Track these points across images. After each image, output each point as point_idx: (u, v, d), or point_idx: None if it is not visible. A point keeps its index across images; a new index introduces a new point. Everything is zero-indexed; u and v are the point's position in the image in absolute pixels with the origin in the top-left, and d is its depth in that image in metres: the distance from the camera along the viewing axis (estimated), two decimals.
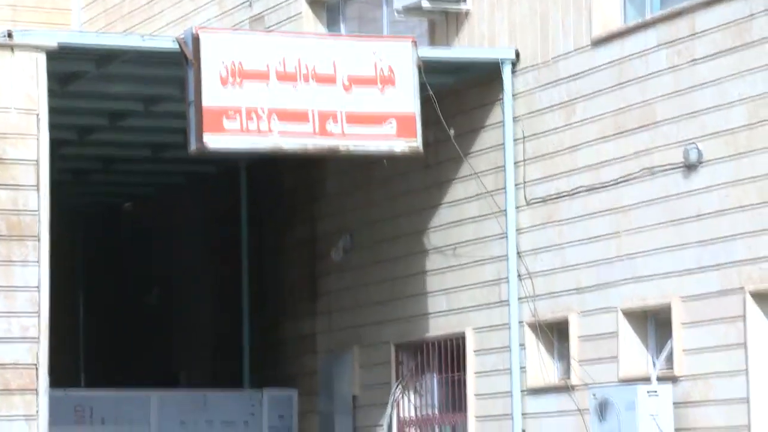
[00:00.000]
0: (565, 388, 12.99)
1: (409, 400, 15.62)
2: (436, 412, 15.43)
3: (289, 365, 18.02)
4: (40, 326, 11.75)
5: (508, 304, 13.72)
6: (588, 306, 12.81)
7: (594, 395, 11.90)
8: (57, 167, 13.22)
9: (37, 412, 11.64)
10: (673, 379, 11.53)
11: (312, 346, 17.41)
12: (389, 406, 15.53)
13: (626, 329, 12.24)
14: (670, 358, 11.65)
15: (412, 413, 15.62)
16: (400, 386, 15.56)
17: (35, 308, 11.77)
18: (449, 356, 14.78)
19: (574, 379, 12.80)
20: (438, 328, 14.93)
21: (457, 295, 14.58)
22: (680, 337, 11.49)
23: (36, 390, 11.66)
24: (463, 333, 14.40)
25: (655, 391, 11.34)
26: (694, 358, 11.35)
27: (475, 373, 14.25)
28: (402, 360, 15.73)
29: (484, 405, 14.10)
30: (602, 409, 11.66)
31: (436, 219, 15.00)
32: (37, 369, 11.67)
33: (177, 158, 17.76)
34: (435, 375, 15.31)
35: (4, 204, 11.82)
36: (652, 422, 11.19)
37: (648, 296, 11.99)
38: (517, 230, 13.77)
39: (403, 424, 15.64)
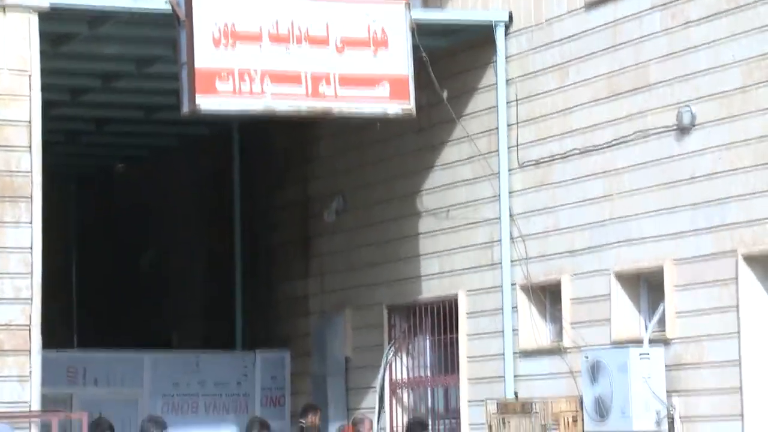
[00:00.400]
0: (558, 351, 13.03)
1: (401, 362, 15.67)
2: (429, 373, 15.49)
3: (282, 327, 18.07)
4: (32, 287, 11.76)
5: (501, 267, 13.74)
6: (581, 269, 12.83)
7: (586, 357, 11.97)
8: (49, 128, 13.13)
9: (30, 372, 11.67)
10: (666, 342, 11.57)
11: (304, 307, 17.45)
12: (382, 368, 15.58)
13: (619, 292, 12.28)
14: (662, 321, 11.71)
15: (405, 375, 15.69)
16: (392, 348, 15.61)
17: (28, 269, 11.78)
18: (442, 318, 14.81)
19: (567, 342, 12.85)
20: (430, 290, 14.97)
21: (450, 258, 14.61)
22: (673, 299, 11.54)
23: (29, 350, 11.68)
24: (456, 295, 14.44)
25: (648, 354, 11.39)
26: (686, 321, 11.41)
27: (468, 335, 14.30)
28: (394, 322, 15.77)
29: (477, 367, 14.15)
30: (594, 371, 11.72)
31: (429, 181, 15.02)
32: (30, 330, 11.69)
33: (169, 120, 17.73)
34: (427, 337, 15.37)
35: None
36: (644, 384, 11.25)
37: (641, 259, 12.01)
38: (509, 193, 13.78)
39: (395, 385, 15.70)
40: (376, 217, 15.91)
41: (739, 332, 10.73)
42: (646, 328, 12.03)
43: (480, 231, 14.23)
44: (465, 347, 14.38)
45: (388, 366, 15.58)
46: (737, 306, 10.76)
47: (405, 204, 15.35)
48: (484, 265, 14.11)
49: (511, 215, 13.74)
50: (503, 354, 13.60)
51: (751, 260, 10.69)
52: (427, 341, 15.40)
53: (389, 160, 15.64)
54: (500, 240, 13.82)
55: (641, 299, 12.48)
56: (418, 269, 15.10)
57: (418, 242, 15.12)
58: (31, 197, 11.88)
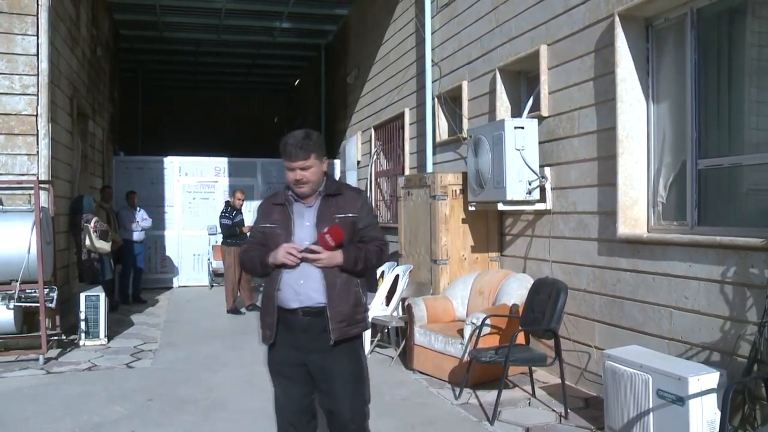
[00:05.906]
0: (458, 141, 14.65)
1: None
2: None
3: None
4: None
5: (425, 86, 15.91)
6: (476, 73, 14.10)
7: (470, 136, 12.42)
8: None
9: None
10: (540, 119, 11.84)
11: None
12: None
13: (501, 85, 13.24)
14: (538, 103, 12.07)
15: None
16: None
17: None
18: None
19: (465, 133, 14.18)
20: None
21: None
22: (547, 79, 11.74)
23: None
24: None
25: (522, 126, 11.66)
26: (558, 97, 11.53)
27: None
28: None
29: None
30: (476, 147, 12.19)
31: None
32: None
33: None
34: None
35: None
36: (517, 155, 11.63)
37: (519, 51, 12.57)
38: (432, 33, 15.90)
39: None
40: None
41: (615, 99, 9.97)
42: (523, 108, 12.56)
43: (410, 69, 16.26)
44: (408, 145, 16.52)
45: None
46: (614, 73, 9.99)
47: None
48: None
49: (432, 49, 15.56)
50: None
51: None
52: None
53: None
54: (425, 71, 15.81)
55: (521, 88, 13.05)
56: None
57: None
58: None
